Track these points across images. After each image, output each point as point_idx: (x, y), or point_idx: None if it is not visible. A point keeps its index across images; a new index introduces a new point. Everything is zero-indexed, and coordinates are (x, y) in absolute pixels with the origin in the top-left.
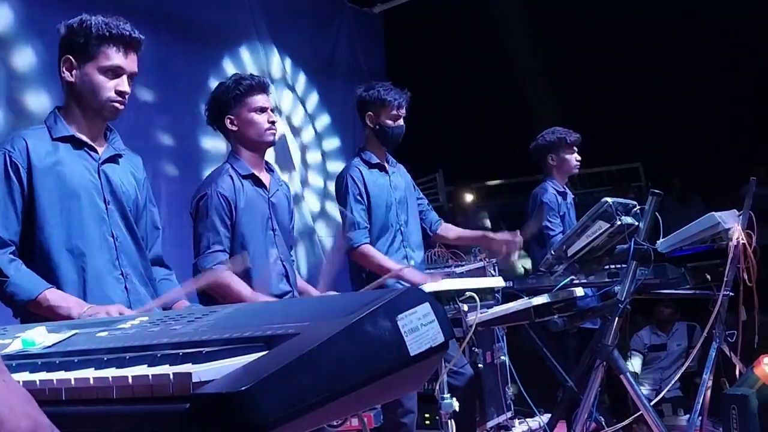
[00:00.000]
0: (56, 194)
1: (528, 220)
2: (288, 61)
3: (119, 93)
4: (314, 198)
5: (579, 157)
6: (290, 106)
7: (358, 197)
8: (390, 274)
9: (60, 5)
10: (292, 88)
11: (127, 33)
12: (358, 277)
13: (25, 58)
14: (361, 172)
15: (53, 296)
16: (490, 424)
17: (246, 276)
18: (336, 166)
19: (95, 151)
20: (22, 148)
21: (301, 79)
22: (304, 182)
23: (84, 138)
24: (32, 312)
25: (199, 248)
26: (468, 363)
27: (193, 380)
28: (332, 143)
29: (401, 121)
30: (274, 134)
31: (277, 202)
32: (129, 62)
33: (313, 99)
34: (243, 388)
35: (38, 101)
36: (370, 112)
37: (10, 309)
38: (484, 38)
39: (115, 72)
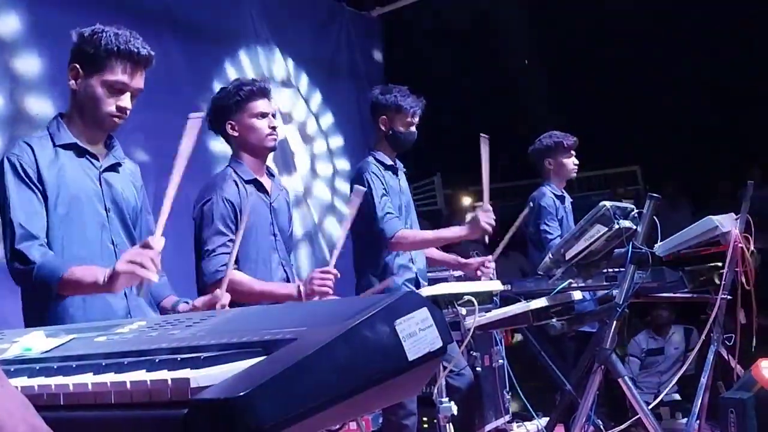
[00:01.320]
0: (58, 201)
1: (526, 223)
2: (291, 63)
3: (120, 109)
4: (320, 199)
5: (576, 161)
6: (293, 107)
7: (383, 191)
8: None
9: (66, 11)
10: (298, 90)
11: (136, 50)
12: (365, 280)
13: (30, 64)
14: (379, 170)
15: (78, 270)
16: (488, 427)
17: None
18: (342, 167)
19: (96, 158)
20: (30, 153)
21: (304, 82)
22: (309, 184)
23: (86, 146)
24: (61, 293)
25: (204, 252)
26: (468, 365)
27: (192, 385)
28: (340, 155)
29: (413, 128)
30: (275, 140)
31: (278, 207)
32: (134, 80)
33: (317, 99)
34: (241, 394)
35: (41, 107)
36: (384, 116)
37: (46, 295)
38: (482, 42)
39: (118, 88)
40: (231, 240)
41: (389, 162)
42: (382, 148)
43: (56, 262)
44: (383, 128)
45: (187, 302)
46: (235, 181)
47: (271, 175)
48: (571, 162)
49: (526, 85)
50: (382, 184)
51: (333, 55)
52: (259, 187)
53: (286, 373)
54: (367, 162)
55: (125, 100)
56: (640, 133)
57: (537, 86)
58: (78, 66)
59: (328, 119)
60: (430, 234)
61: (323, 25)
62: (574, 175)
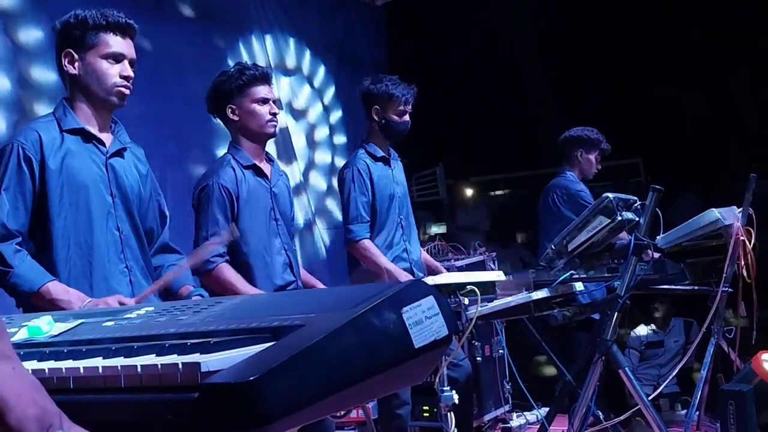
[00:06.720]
0: (65, 187)
1: (541, 213)
2: (308, 53)
3: (124, 78)
4: (316, 191)
5: (600, 167)
6: (292, 94)
7: (363, 190)
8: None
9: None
10: (307, 79)
11: (123, 20)
12: (355, 268)
13: (31, 32)
14: (367, 164)
15: (55, 288)
16: (488, 417)
17: (249, 266)
18: (341, 159)
19: (103, 144)
20: (35, 140)
21: (321, 72)
22: (307, 174)
23: (93, 130)
24: (34, 303)
25: (198, 238)
26: (466, 357)
27: (202, 370)
28: (342, 151)
29: (407, 117)
30: (275, 126)
31: (279, 192)
32: (128, 48)
33: (331, 91)
34: (251, 378)
35: (45, 75)
36: (376, 106)
37: (13, 299)
38: (486, 32)
39: (116, 58)
40: (226, 228)
41: (381, 153)
42: (375, 139)
43: (33, 274)
44: (376, 118)
45: (201, 295)
46: (232, 167)
47: (270, 160)
48: (596, 165)
49: (530, 75)
50: (364, 183)
51: (340, 45)
52: (258, 172)
53: (295, 359)
54: (356, 156)
55: (126, 69)
56: (642, 125)
57: (541, 76)
58: (71, 50)
59: (338, 113)
60: (385, 261)
61: (329, 14)
62: (590, 178)
